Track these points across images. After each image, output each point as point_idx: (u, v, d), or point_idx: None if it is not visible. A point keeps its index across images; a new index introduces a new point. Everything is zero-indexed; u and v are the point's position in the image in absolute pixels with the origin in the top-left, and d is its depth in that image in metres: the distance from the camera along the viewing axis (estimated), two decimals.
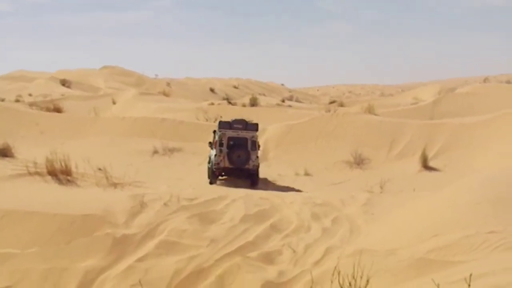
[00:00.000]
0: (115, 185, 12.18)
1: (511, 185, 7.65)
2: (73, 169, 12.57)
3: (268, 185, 16.55)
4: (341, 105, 41.33)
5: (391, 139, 19.07)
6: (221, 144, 16.40)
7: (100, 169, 13.27)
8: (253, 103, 33.92)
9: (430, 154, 17.42)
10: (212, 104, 37.18)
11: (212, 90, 63.91)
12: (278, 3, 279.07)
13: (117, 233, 8.46)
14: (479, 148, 17.26)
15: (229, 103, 41.09)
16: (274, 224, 9.16)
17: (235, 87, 71.16)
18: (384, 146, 18.83)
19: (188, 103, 38.05)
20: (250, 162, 16.24)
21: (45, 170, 12.25)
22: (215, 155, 16.44)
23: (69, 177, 12.24)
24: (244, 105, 34.37)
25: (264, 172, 17.51)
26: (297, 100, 55.82)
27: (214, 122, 24.32)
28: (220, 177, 17.04)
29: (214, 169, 16.51)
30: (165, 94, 45.27)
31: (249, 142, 16.42)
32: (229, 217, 9.34)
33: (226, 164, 16.31)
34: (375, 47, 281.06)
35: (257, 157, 16.60)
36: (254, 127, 16.77)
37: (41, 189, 11.21)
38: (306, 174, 17.23)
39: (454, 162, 16.93)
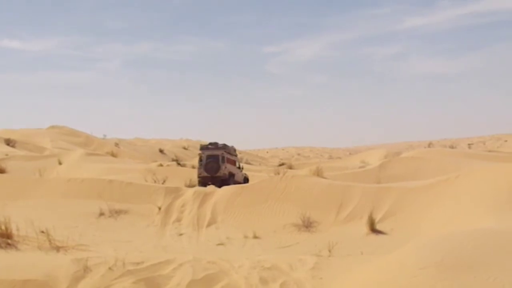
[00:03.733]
0: (58, 248, 11.77)
1: (454, 249, 7.83)
2: (14, 231, 12.10)
3: None
4: (290, 167, 41.87)
5: (339, 202, 19.26)
6: (201, 160, 23.64)
7: (42, 231, 12.81)
8: None
9: (377, 218, 17.65)
10: (161, 165, 36.95)
11: (161, 151, 63.60)
12: (227, 66, 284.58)
13: None
14: (423, 212, 17.60)
15: (179, 164, 41.00)
16: None
17: (184, 148, 71.02)
18: (332, 209, 18.98)
19: (137, 164, 37.67)
20: (220, 171, 23.06)
21: None
22: (198, 168, 24.10)
23: (9, 240, 11.73)
24: (193, 167, 34.25)
25: (212, 234, 17.41)
26: (247, 162, 56.17)
27: (163, 183, 24.24)
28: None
29: (198, 178, 23.24)
30: (113, 154, 44.86)
31: (220, 158, 23.25)
32: (176, 282, 9.16)
33: (204, 173, 23.47)
34: (324, 111, 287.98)
35: (228, 169, 23.56)
36: (223, 147, 24.04)
37: None
38: (255, 237, 17.12)
39: (400, 226, 17.18)
